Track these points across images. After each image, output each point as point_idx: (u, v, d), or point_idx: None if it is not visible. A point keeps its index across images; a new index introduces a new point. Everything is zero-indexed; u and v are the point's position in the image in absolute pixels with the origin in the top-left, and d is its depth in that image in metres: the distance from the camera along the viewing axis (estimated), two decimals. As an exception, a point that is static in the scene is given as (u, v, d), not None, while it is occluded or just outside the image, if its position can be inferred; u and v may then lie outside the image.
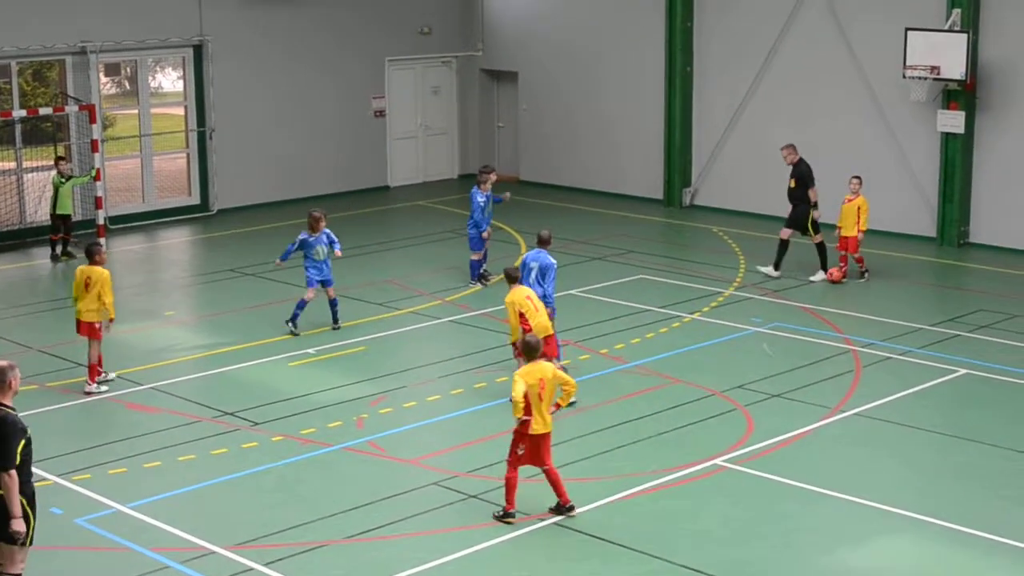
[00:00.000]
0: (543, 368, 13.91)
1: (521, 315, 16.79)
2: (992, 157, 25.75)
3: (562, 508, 13.96)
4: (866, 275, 23.59)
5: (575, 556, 13.20)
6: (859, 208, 23.24)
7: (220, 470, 15.31)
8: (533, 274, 18.03)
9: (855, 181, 23.51)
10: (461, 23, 33.45)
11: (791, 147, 23.99)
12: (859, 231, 23.24)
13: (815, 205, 23.57)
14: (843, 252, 23.58)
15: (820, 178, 27.77)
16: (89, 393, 17.89)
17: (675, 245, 27.13)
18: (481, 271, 23.31)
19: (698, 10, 29.47)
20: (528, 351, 13.99)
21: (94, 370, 18.05)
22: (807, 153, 28.04)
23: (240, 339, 20.25)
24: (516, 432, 13.83)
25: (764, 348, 19.82)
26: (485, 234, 23.07)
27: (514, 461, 13.88)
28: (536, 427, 13.76)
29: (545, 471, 13.93)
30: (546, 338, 16.60)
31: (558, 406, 14.03)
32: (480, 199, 22.94)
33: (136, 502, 14.36)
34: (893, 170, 26.93)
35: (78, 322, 18.13)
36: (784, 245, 23.79)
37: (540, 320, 16.84)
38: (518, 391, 13.64)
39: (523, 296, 16.97)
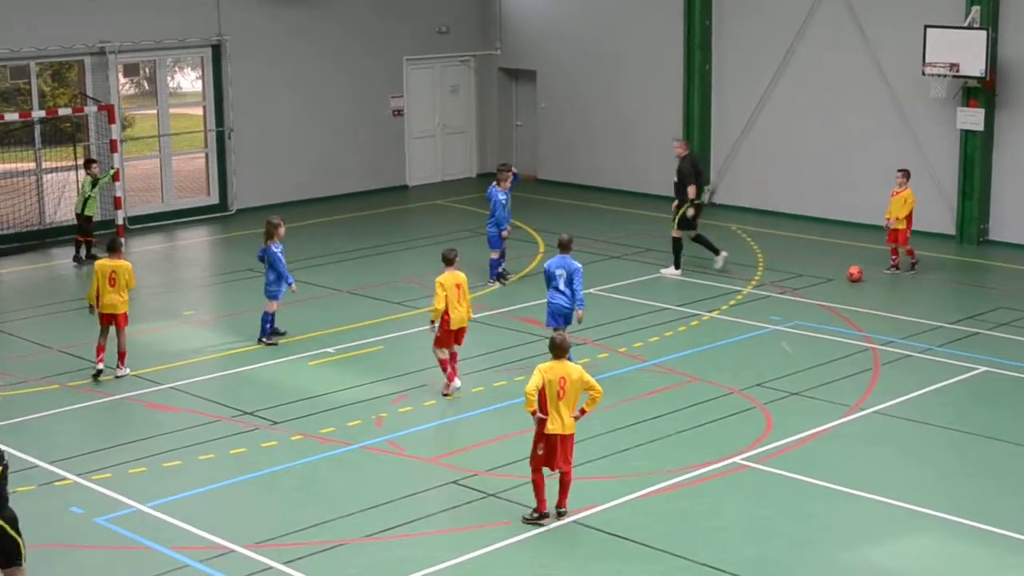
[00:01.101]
0: (567, 367, 13.65)
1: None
2: (1012, 154, 25.67)
3: (556, 508, 13.84)
4: (893, 269, 23.77)
5: (594, 555, 13.19)
6: (905, 200, 23.46)
7: (239, 469, 15.34)
8: (562, 281, 17.96)
9: (900, 174, 23.70)
10: (479, 22, 33.46)
11: (684, 142, 24.44)
12: (908, 221, 23.53)
13: (691, 202, 23.66)
14: (893, 245, 23.79)
15: (840, 174, 27.87)
16: (120, 377, 18.38)
17: (693, 243, 27.05)
18: (500, 270, 23.32)
19: (716, 8, 29.43)
20: (553, 349, 13.72)
21: (124, 355, 18.56)
22: (830, 149, 28.12)
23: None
24: (536, 431, 13.68)
25: (783, 346, 19.79)
26: (505, 232, 23.07)
27: (534, 462, 13.74)
28: (553, 427, 13.54)
29: (561, 474, 13.77)
30: (459, 330, 17.62)
31: (583, 411, 13.75)
32: (501, 197, 22.96)
33: (156, 501, 14.39)
34: (912, 167, 26.68)
35: (107, 316, 18.41)
36: (678, 243, 24.04)
37: (460, 312, 17.49)
38: (532, 384, 13.49)
39: (453, 282, 17.42)
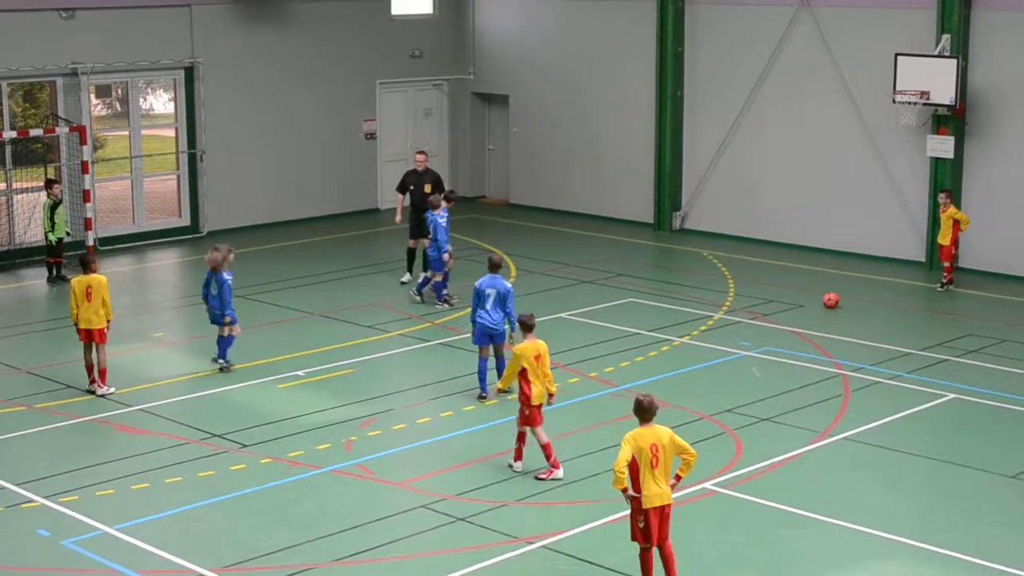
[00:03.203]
0: (658, 432, 12.40)
1: (522, 372, 15.67)
2: (981, 182, 25.80)
3: None
4: (947, 286, 24.67)
5: (564, 580, 13.18)
6: (953, 219, 24.35)
7: (208, 492, 15.27)
8: (490, 301, 18.03)
9: (943, 195, 24.64)
10: (453, 46, 33.51)
11: (425, 153, 25.36)
12: (952, 239, 24.37)
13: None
14: (944, 264, 24.87)
15: (811, 201, 28.01)
16: (103, 395, 18.46)
17: (665, 269, 27.15)
18: (445, 293, 23.33)
19: (689, 34, 29.54)
20: (641, 413, 12.49)
21: (104, 373, 18.68)
22: (800, 176, 28.28)
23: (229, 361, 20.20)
24: (632, 506, 12.47)
25: (753, 372, 19.82)
26: (447, 256, 23.04)
27: (637, 538, 12.51)
28: (651, 499, 12.29)
29: (659, 549, 12.57)
30: (539, 405, 15.61)
31: (678, 478, 12.55)
32: (440, 220, 22.96)
33: (124, 524, 14.31)
34: (882, 195, 27.00)
35: (85, 331, 18.56)
36: (413, 253, 24.76)
37: (540, 388, 15.63)
38: (621, 460, 12.21)
39: (532, 354, 15.68)
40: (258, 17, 29.91)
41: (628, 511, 12.91)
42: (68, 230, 25.66)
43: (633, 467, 12.29)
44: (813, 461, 16.32)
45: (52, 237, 25.28)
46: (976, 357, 20.49)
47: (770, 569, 13.43)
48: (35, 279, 25.63)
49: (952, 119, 25.54)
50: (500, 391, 16.53)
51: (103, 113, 35.14)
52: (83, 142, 26.51)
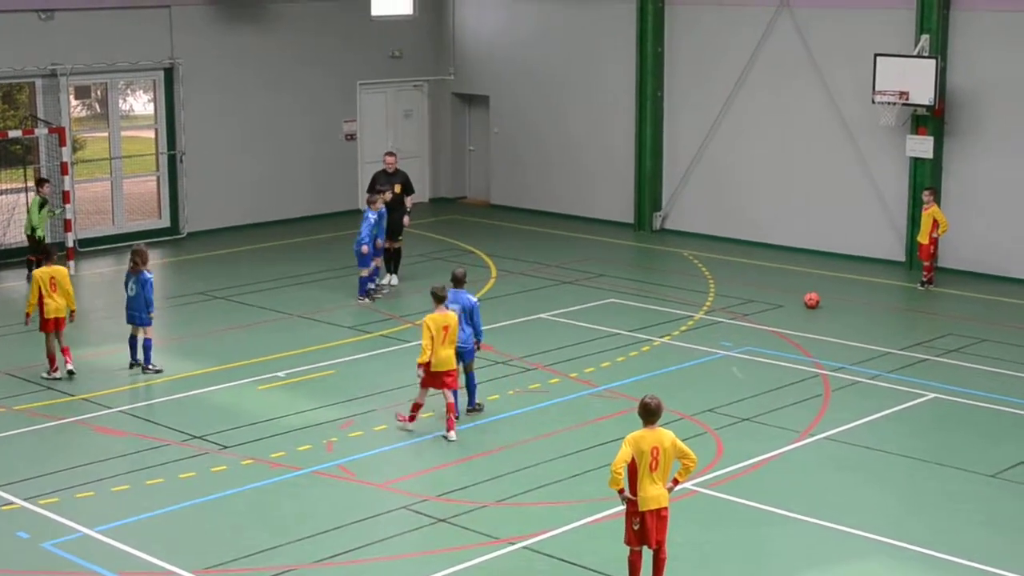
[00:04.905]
0: (660, 435, 12.21)
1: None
2: (960, 182, 25.89)
3: None
4: (927, 285, 24.86)
5: (545, 580, 13.18)
6: (934, 218, 24.50)
7: (189, 494, 15.23)
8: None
9: (926, 192, 24.78)
10: (433, 47, 33.50)
11: (394, 154, 25.47)
12: (931, 238, 24.57)
13: (409, 212, 25.07)
14: (925, 262, 25.10)
15: (791, 201, 28.07)
16: (72, 372, 19.17)
17: (645, 269, 27.18)
18: (369, 287, 23.50)
19: (668, 36, 29.59)
20: (646, 415, 12.26)
21: (68, 350, 19.24)
22: (780, 176, 28.30)
23: (209, 362, 20.18)
24: (627, 508, 12.38)
25: (734, 372, 19.85)
26: (366, 248, 23.20)
27: (630, 539, 12.40)
28: (647, 502, 12.18)
29: (654, 552, 12.48)
30: (447, 372, 16.78)
31: (676, 482, 12.46)
32: (371, 217, 23.18)
33: (104, 526, 14.27)
34: (862, 195, 27.07)
35: (50, 320, 19.10)
36: (387, 253, 24.83)
37: (445, 352, 16.76)
38: (619, 460, 12.07)
39: (440, 323, 16.72)
40: (238, 18, 29.87)
41: (609, 512, 12.95)
42: (42, 234, 25.48)
43: (631, 469, 12.20)
44: (794, 461, 16.35)
45: (39, 234, 25.15)
46: (956, 356, 20.56)
47: (751, 569, 13.45)
48: (14, 280, 25.54)
49: (931, 119, 25.64)
50: (420, 364, 16.75)
51: (83, 114, 35.07)
52: (62, 143, 26.43)
